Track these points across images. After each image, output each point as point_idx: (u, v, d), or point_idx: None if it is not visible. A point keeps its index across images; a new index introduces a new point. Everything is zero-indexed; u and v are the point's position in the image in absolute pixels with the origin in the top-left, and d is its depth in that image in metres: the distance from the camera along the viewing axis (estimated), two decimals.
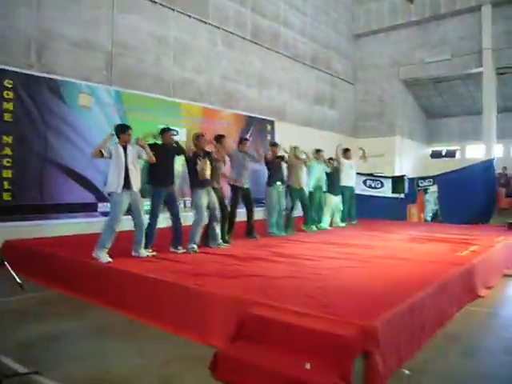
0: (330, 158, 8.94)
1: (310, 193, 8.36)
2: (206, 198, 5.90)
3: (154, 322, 3.74)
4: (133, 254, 5.31)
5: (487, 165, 11.38)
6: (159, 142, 5.73)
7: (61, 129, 7.35)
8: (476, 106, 17.22)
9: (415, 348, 3.19)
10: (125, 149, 5.21)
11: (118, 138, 5.24)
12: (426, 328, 3.44)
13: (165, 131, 5.80)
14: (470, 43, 14.40)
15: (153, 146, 5.55)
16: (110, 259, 4.87)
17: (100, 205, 7.80)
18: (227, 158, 6.75)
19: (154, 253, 5.43)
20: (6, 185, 6.64)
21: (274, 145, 7.88)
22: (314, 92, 14.12)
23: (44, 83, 7.08)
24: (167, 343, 3.40)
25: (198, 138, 6.06)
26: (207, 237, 6.08)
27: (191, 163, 5.92)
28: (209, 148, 6.25)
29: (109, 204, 7.62)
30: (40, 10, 7.13)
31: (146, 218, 5.50)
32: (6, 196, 6.65)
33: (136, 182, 5.23)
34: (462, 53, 14.56)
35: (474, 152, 17.81)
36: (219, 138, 6.45)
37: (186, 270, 4.30)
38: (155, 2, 8.95)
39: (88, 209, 7.67)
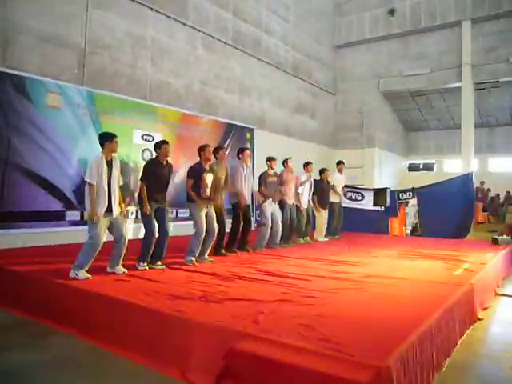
0: (323, 169, 8.61)
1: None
2: (205, 210, 5.68)
3: (125, 352, 3.23)
4: (108, 270, 4.79)
5: (466, 179, 11.31)
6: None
7: (26, 130, 6.75)
8: (453, 121, 17.36)
9: None
10: (110, 165, 4.66)
11: (102, 148, 4.67)
12: (435, 360, 3.06)
13: (162, 144, 5.32)
14: (449, 58, 14.47)
15: (150, 162, 5.27)
16: (88, 275, 4.40)
17: (68, 213, 7.22)
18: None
19: (147, 268, 5.04)
20: None
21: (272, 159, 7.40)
22: (295, 101, 13.85)
23: (8, 80, 6.48)
24: (140, 380, 2.92)
25: (203, 148, 5.78)
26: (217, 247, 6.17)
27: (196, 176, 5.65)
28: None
29: (77, 213, 7.29)
30: (7, 0, 6.57)
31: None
32: None
33: (116, 207, 4.71)
34: (442, 67, 14.62)
35: (451, 166, 17.88)
36: (217, 149, 6.24)
37: (164, 291, 3.80)
38: (132, 0, 8.47)
39: (55, 217, 7.07)
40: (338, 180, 9.01)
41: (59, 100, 7.19)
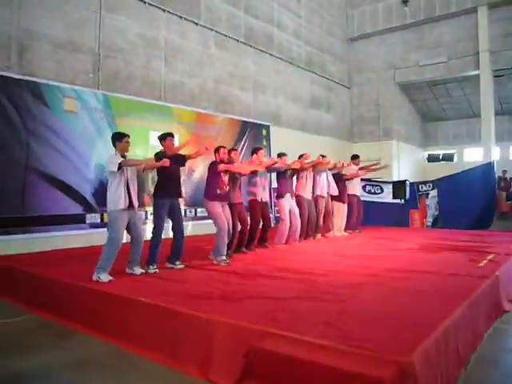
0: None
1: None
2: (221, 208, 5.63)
3: (146, 352, 3.24)
4: (127, 271, 4.81)
5: (487, 168, 11.10)
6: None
7: (44, 135, 6.84)
8: (472, 109, 17.02)
9: (452, 381, 2.74)
10: None
11: (115, 147, 4.75)
12: (461, 354, 3.00)
13: (166, 137, 5.25)
14: (466, 45, 14.16)
15: (157, 155, 5.15)
16: (110, 277, 4.41)
17: (88, 216, 7.31)
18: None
19: (157, 270, 4.94)
20: None
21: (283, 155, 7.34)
22: (310, 96, 13.75)
23: (25, 86, 6.58)
24: (161, 380, 2.93)
25: (217, 150, 5.78)
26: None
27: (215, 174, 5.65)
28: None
29: (97, 215, 7.36)
30: (21, 9, 6.66)
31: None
32: None
33: (135, 199, 4.74)
34: (459, 55, 14.31)
35: (471, 155, 17.56)
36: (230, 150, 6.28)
37: (183, 292, 3.80)
38: (144, 2, 8.52)
39: (75, 220, 7.15)
40: (352, 170, 8.85)
41: (75, 104, 7.27)
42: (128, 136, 4.80)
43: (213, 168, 5.69)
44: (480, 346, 3.44)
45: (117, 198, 4.56)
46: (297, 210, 7.14)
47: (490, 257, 5.47)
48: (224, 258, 5.47)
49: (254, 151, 6.74)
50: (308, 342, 2.48)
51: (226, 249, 5.58)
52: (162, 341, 3.23)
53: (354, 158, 9.02)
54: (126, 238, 4.89)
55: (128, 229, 4.80)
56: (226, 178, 5.69)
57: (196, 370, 2.92)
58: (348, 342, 2.45)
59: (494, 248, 6.23)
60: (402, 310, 3.18)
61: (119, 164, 4.54)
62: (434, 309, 3.15)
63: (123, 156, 4.71)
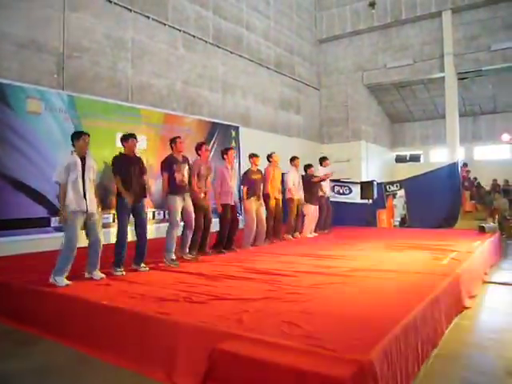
0: (308, 165, 8.60)
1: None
2: (181, 203, 5.63)
3: (109, 356, 3.19)
4: (86, 275, 4.72)
5: (452, 168, 11.37)
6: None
7: (7, 137, 6.67)
8: (438, 111, 17.45)
9: (411, 377, 2.81)
10: (82, 161, 4.63)
11: (73, 146, 4.66)
12: (420, 351, 3.07)
13: (126, 138, 5.20)
14: (431, 48, 14.54)
15: (116, 158, 5.09)
16: (67, 281, 4.31)
17: (53, 219, 7.14)
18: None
19: (123, 272, 4.87)
20: None
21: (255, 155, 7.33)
22: (279, 97, 13.83)
23: None
24: None
25: (174, 140, 5.78)
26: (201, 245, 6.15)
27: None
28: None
29: None
30: None
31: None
32: None
33: (92, 202, 4.65)
34: (424, 58, 14.68)
35: (437, 156, 17.99)
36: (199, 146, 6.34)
37: (148, 294, 3.76)
38: (110, 2, 8.39)
39: (39, 224, 6.99)
40: (321, 171, 8.94)
41: (40, 105, 7.11)
42: (87, 135, 4.72)
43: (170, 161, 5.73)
44: (441, 341, 3.53)
45: (70, 199, 4.49)
46: (263, 212, 7.16)
47: (452, 255, 5.60)
48: (173, 257, 5.48)
49: (225, 152, 6.72)
50: (269, 342, 2.49)
51: (174, 247, 5.56)
52: (126, 345, 3.19)
53: (323, 159, 9.11)
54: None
55: (86, 232, 4.72)
56: (184, 171, 5.70)
57: (161, 374, 2.89)
58: (310, 342, 2.48)
59: (457, 246, 6.40)
60: (365, 309, 3.23)
61: None
62: (396, 307, 3.21)
63: (82, 157, 4.62)
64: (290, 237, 8.10)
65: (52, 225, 7.13)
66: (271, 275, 4.53)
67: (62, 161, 4.64)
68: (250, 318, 2.99)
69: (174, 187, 5.60)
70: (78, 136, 4.69)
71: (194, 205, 5.87)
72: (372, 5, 14.88)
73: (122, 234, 5.04)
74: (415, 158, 18.96)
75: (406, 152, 19.37)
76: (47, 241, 6.84)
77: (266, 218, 7.25)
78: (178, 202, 5.61)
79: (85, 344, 3.42)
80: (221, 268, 5.13)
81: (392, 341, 2.59)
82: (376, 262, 5.30)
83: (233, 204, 6.58)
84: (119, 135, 7.97)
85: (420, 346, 3.06)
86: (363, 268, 4.89)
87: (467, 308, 4.50)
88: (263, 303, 3.37)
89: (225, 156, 6.67)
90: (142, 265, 5.17)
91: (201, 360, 2.62)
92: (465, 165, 14.47)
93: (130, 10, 8.82)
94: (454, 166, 11.39)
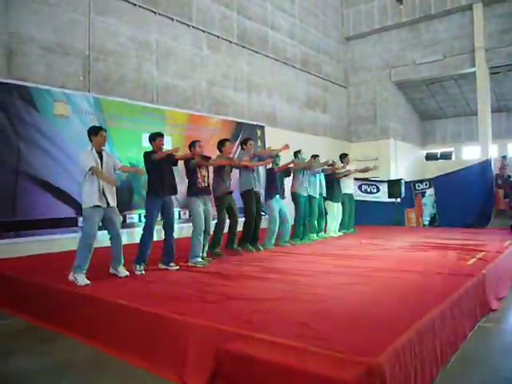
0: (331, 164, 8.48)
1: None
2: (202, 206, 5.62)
3: (125, 355, 3.23)
4: (110, 271, 4.81)
5: (484, 166, 11.04)
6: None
7: (35, 140, 6.84)
8: (469, 107, 16.95)
9: (428, 381, 2.72)
10: (100, 156, 4.70)
11: (91, 141, 4.72)
12: (439, 354, 2.97)
13: (154, 137, 5.28)
14: (462, 43, 14.11)
15: (146, 155, 5.19)
16: (87, 281, 4.34)
17: (80, 219, 7.27)
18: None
19: (144, 271, 4.93)
20: None
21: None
22: (305, 96, 13.71)
23: (14, 91, 6.58)
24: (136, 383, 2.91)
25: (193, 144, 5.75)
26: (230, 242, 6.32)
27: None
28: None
29: None
30: (8, 12, 6.65)
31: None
32: None
33: (112, 196, 4.72)
34: (455, 53, 14.26)
35: (470, 153, 17.48)
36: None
37: (164, 294, 3.79)
38: (135, 5, 8.50)
39: (67, 224, 7.16)
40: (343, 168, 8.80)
41: (67, 109, 7.26)
42: (104, 130, 4.79)
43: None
44: (463, 344, 3.41)
45: (90, 194, 4.53)
46: (287, 210, 7.14)
47: (479, 255, 5.43)
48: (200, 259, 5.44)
49: (243, 142, 6.92)
50: (276, 343, 2.45)
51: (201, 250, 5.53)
52: (140, 343, 3.21)
53: (343, 156, 8.98)
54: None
55: (106, 227, 4.77)
56: (204, 173, 5.73)
57: (172, 373, 2.91)
58: (319, 344, 2.43)
59: (486, 246, 6.20)
60: (381, 309, 3.16)
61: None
62: (413, 308, 3.12)
63: (99, 151, 4.69)
64: (316, 237, 8.00)
65: (79, 225, 7.28)
66: (289, 275, 4.50)
67: (82, 155, 4.67)
68: (260, 318, 2.95)
69: (195, 190, 5.61)
70: (95, 131, 4.73)
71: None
72: (400, 0, 14.57)
73: (148, 231, 5.09)
74: (446, 156, 18.46)
75: (437, 150, 18.88)
76: (75, 240, 6.99)
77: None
78: (200, 205, 5.59)
79: (102, 342, 3.48)
80: (239, 267, 5.12)
81: (405, 343, 2.52)
82: (399, 262, 5.19)
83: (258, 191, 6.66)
84: (145, 136, 8.29)
85: (439, 349, 2.97)
86: (385, 268, 4.80)
87: (493, 310, 4.34)
88: (275, 303, 3.34)
89: (244, 146, 6.85)
90: (172, 264, 5.18)
91: (209, 360, 2.61)
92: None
93: (155, 13, 8.91)
94: (486, 163, 11.06)
